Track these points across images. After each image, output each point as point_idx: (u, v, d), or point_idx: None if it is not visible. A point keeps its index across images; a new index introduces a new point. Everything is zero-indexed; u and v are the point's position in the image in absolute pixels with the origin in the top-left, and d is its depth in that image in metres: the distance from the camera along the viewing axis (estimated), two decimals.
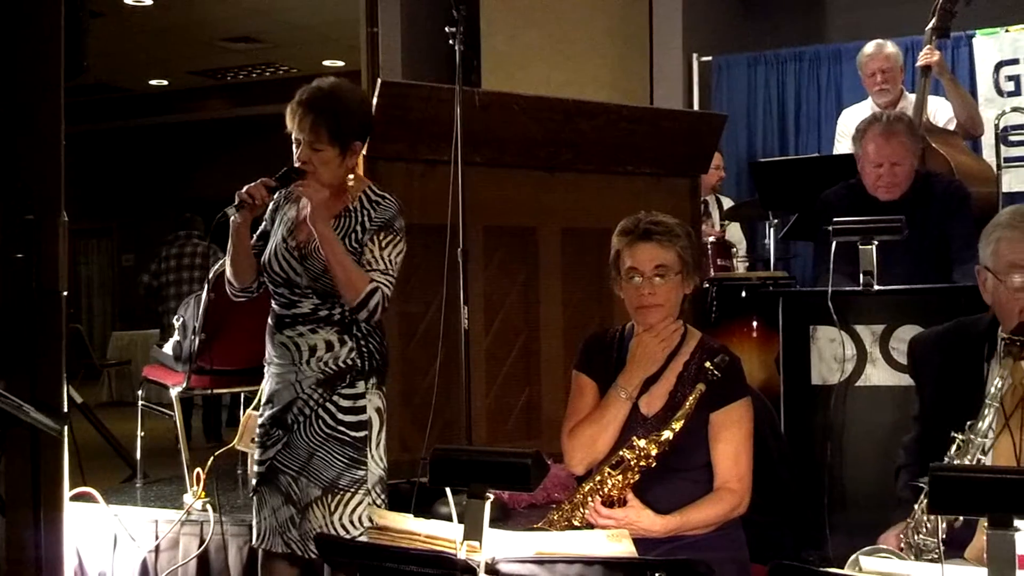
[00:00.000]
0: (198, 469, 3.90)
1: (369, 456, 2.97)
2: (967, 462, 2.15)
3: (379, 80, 4.11)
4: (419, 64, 7.34)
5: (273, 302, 3.07)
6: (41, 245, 3.02)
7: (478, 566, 1.69)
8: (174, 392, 4.50)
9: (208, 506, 3.80)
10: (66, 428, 2.99)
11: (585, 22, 6.91)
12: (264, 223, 3.13)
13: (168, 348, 4.71)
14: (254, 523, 3.09)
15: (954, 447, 2.19)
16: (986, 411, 2.15)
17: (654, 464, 2.54)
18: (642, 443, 2.54)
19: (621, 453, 2.57)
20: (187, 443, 4.51)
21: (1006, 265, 2.23)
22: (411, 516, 1.93)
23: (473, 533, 1.72)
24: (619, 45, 6.94)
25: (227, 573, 3.73)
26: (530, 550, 1.78)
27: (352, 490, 2.94)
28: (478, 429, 3.98)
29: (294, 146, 2.97)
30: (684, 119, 5.25)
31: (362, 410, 2.96)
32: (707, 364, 2.58)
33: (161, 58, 11.56)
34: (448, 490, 1.81)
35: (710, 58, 6.89)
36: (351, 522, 2.93)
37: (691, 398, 2.55)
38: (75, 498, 3.67)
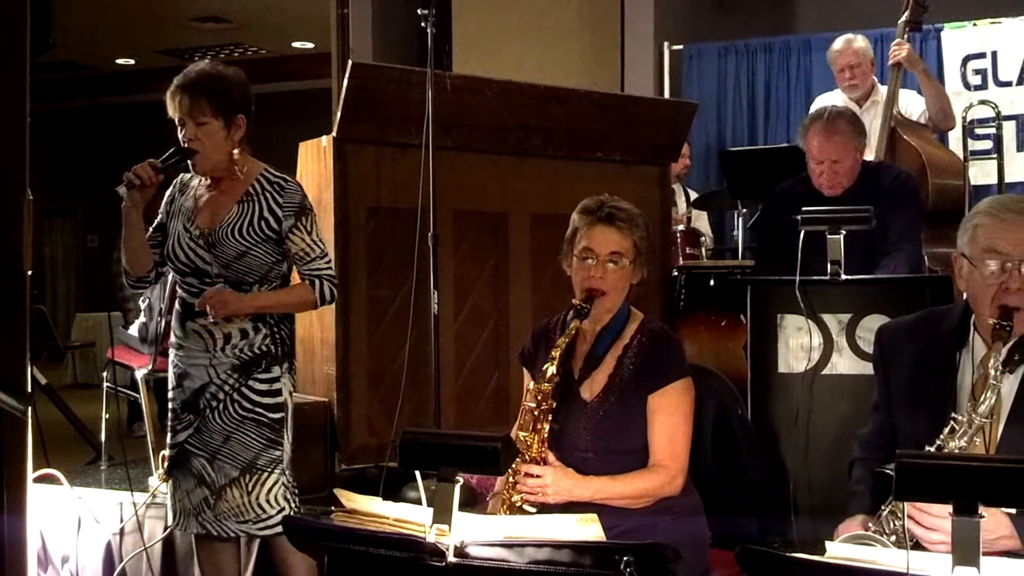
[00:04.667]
0: (163, 452, 3.87)
1: (285, 437, 3.04)
2: (963, 444, 2.17)
3: (350, 62, 4.09)
4: (390, 46, 7.30)
5: (180, 290, 3.10)
6: (5, 224, 2.97)
7: (447, 549, 1.69)
8: (140, 374, 4.47)
9: None
10: (30, 409, 2.95)
11: (557, 8, 6.90)
12: (159, 216, 3.15)
13: (134, 330, 4.67)
14: (169, 506, 3.15)
15: (947, 429, 2.20)
16: (988, 393, 2.16)
17: (555, 404, 2.59)
18: (531, 386, 2.60)
19: (523, 406, 2.61)
20: (152, 425, 4.47)
21: (981, 251, 2.25)
22: (379, 499, 1.93)
23: (442, 516, 1.72)
24: (590, 32, 6.94)
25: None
26: (499, 534, 1.78)
27: (269, 470, 3.01)
28: (447, 414, 3.98)
29: (179, 131, 3.00)
30: (655, 107, 5.27)
31: (278, 393, 3.04)
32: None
33: (128, 37, 11.42)
34: (418, 473, 1.80)
35: (681, 47, 6.90)
36: (267, 501, 3.01)
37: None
38: (39, 480, 3.63)
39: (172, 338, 3.13)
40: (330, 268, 3.09)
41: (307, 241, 3.04)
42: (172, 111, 2.99)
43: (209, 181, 3.09)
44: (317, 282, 3.04)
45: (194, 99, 2.95)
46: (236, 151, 3.03)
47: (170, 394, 3.12)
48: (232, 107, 3.00)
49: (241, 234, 2.98)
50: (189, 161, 3.01)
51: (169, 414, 3.11)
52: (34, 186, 3.13)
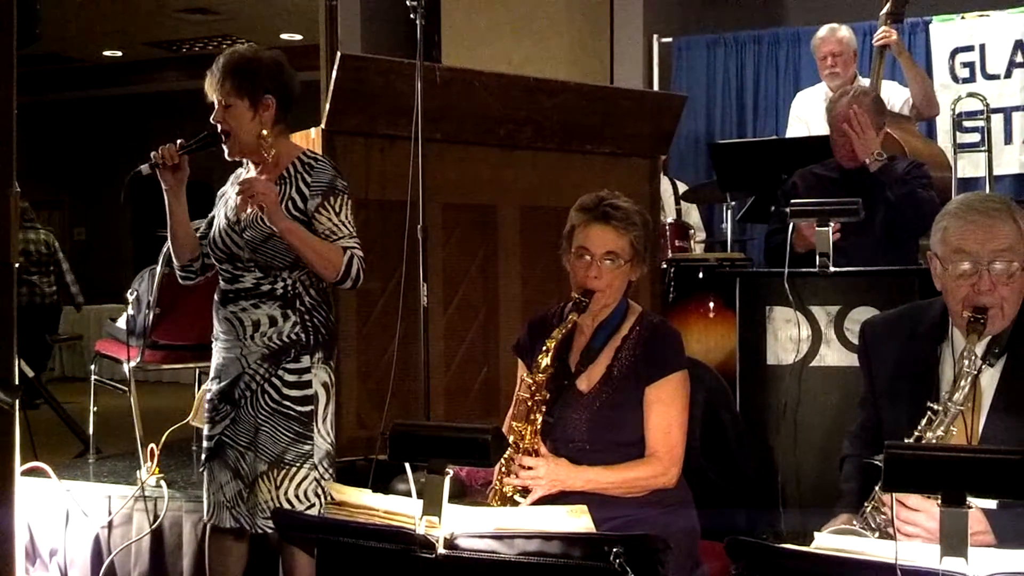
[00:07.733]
0: (152, 445, 3.87)
1: (315, 431, 2.99)
2: (940, 433, 2.18)
3: (338, 54, 4.07)
4: (378, 38, 7.28)
5: (220, 278, 3.09)
6: None
7: (437, 541, 1.69)
8: (128, 367, 4.45)
9: (162, 482, 3.78)
10: (17, 402, 2.95)
11: (546, 0, 6.89)
12: (214, 209, 3.16)
13: (121, 323, 4.66)
14: (204, 498, 3.11)
15: (924, 420, 2.22)
16: (963, 383, 2.18)
17: (548, 395, 2.60)
18: (526, 377, 2.62)
19: (517, 396, 2.63)
20: (138, 419, 4.46)
21: (951, 251, 2.27)
22: (369, 492, 1.93)
23: (432, 508, 1.72)
24: (580, 24, 6.93)
25: (181, 549, 3.71)
26: (489, 525, 1.79)
27: (298, 464, 2.96)
28: (436, 406, 3.97)
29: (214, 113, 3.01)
30: (644, 99, 5.25)
31: (307, 384, 2.99)
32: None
33: (115, 29, 11.36)
34: (407, 466, 1.80)
35: (670, 39, 6.91)
36: (296, 496, 2.96)
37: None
38: (26, 473, 3.64)
39: (213, 329, 3.10)
40: (359, 247, 2.99)
41: (335, 221, 2.96)
42: (209, 95, 3.00)
43: (252, 170, 3.07)
44: (348, 252, 2.95)
45: (220, 81, 2.96)
46: (264, 131, 2.98)
47: (209, 384, 3.10)
48: (259, 87, 2.97)
49: None
50: (223, 145, 3.00)
51: (207, 405, 3.08)
52: (21, 179, 3.11)
